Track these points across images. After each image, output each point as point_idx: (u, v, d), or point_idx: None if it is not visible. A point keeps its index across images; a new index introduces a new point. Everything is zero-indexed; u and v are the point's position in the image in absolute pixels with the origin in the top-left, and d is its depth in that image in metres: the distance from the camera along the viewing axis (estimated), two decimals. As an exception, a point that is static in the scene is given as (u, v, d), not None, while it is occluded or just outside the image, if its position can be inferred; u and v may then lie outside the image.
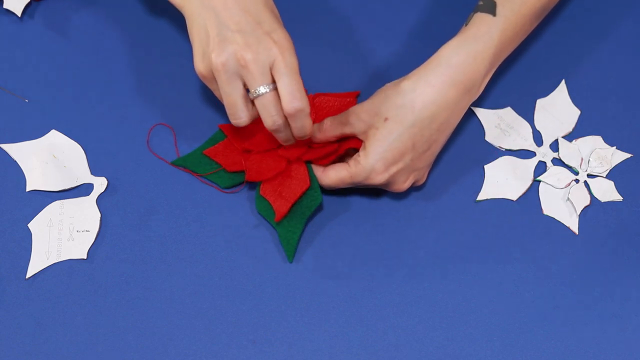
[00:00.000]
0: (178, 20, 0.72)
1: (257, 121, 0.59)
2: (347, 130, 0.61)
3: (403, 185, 0.62)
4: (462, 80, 0.60)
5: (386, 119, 0.59)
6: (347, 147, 0.62)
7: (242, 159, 0.64)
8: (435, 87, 0.59)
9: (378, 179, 0.60)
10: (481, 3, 0.62)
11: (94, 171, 0.67)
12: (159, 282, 0.63)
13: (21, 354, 0.61)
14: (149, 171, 0.66)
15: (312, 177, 0.63)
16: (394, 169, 0.60)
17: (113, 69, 0.70)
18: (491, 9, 0.61)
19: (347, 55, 0.71)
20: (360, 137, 0.61)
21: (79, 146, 0.67)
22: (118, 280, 0.63)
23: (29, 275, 0.63)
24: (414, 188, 0.66)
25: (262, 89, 0.56)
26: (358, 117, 0.60)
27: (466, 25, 0.61)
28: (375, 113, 0.59)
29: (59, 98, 0.69)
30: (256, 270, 0.64)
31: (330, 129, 0.62)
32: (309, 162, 0.63)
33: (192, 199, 0.66)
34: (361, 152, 0.60)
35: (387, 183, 0.61)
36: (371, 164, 0.59)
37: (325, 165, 0.63)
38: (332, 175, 0.62)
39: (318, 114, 0.65)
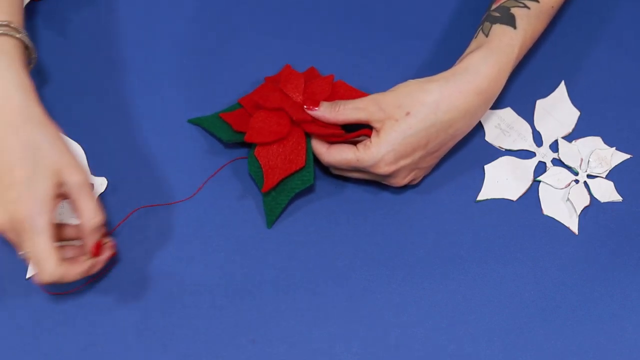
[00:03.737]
0: (178, 20, 0.72)
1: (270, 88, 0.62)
2: (363, 116, 0.61)
3: (402, 180, 0.62)
4: (486, 90, 0.61)
5: (408, 114, 0.59)
6: (358, 135, 0.61)
7: (249, 120, 0.64)
8: (462, 94, 0.60)
9: (384, 169, 0.60)
10: (497, 14, 0.63)
11: (94, 171, 0.67)
12: (159, 282, 0.63)
13: (21, 354, 0.61)
14: (149, 171, 0.66)
15: (309, 156, 0.62)
16: (402, 163, 0.60)
17: (113, 69, 0.70)
18: (511, 22, 0.63)
19: (350, 55, 0.71)
20: (374, 125, 0.60)
21: (79, 146, 0.67)
22: (118, 280, 0.63)
23: (29, 275, 0.63)
24: (412, 187, 0.66)
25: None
26: (379, 106, 0.60)
27: (487, 36, 0.63)
28: (398, 105, 0.59)
29: (59, 98, 0.69)
30: (256, 270, 0.64)
31: (344, 112, 0.61)
32: (309, 139, 0.63)
33: (192, 199, 0.66)
34: (373, 140, 0.60)
35: (389, 175, 0.61)
36: (382, 153, 0.60)
37: (330, 143, 0.63)
38: (337, 155, 0.61)
39: (332, 97, 0.64)
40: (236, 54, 0.71)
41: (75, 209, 0.57)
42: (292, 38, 0.72)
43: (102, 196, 0.66)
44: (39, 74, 0.69)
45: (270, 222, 0.64)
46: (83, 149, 0.67)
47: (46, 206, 0.55)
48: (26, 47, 0.61)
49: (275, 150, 0.63)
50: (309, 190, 0.66)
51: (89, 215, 0.57)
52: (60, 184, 0.56)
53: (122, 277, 0.63)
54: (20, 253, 0.57)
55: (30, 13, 0.72)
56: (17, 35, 0.60)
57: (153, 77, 0.70)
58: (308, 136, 0.63)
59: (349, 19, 0.73)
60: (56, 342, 0.61)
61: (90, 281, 0.62)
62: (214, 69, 0.70)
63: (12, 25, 0.59)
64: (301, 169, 0.63)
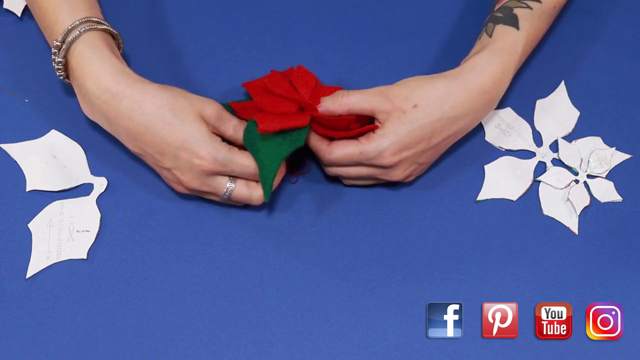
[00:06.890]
0: (178, 20, 0.72)
1: (280, 88, 0.62)
2: (368, 107, 0.61)
3: (401, 173, 0.62)
4: (489, 91, 0.62)
5: (415, 106, 0.60)
6: (362, 131, 0.61)
7: (257, 109, 0.62)
8: (467, 91, 0.61)
9: (387, 160, 0.60)
10: (500, 15, 0.64)
11: (94, 171, 0.67)
12: (159, 282, 0.63)
13: (21, 354, 0.61)
14: (149, 171, 0.66)
15: (305, 132, 0.60)
16: (404, 154, 0.60)
17: (113, 69, 0.70)
18: (513, 22, 0.63)
19: (344, 54, 0.71)
20: (379, 117, 0.61)
21: (79, 146, 0.67)
22: (118, 280, 0.63)
23: (29, 275, 0.63)
24: (412, 187, 0.66)
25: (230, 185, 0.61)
26: (386, 98, 0.60)
27: (490, 37, 0.63)
28: (406, 98, 0.60)
29: (59, 98, 0.69)
30: (256, 270, 0.64)
31: (348, 101, 0.61)
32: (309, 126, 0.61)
33: (192, 199, 0.66)
34: (378, 131, 0.60)
35: (390, 167, 0.61)
36: (387, 143, 0.60)
37: (330, 140, 0.62)
38: (339, 150, 0.61)
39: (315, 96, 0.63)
40: (236, 55, 0.71)
41: (220, 133, 0.62)
42: (292, 38, 0.72)
43: (102, 196, 0.66)
44: (39, 74, 0.69)
45: (267, 193, 0.60)
46: (83, 149, 0.67)
47: (217, 143, 0.59)
48: (112, 36, 0.64)
49: (277, 119, 0.60)
50: (309, 190, 0.66)
51: (234, 135, 0.62)
52: (207, 122, 0.60)
53: (122, 277, 0.63)
54: (222, 196, 0.61)
55: (30, 13, 0.72)
56: (100, 27, 0.62)
57: (152, 77, 0.69)
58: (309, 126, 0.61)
59: (350, 19, 0.73)
60: (56, 342, 0.61)
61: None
62: (214, 70, 0.70)
63: (93, 19, 0.62)
64: (298, 128, 0.60)
